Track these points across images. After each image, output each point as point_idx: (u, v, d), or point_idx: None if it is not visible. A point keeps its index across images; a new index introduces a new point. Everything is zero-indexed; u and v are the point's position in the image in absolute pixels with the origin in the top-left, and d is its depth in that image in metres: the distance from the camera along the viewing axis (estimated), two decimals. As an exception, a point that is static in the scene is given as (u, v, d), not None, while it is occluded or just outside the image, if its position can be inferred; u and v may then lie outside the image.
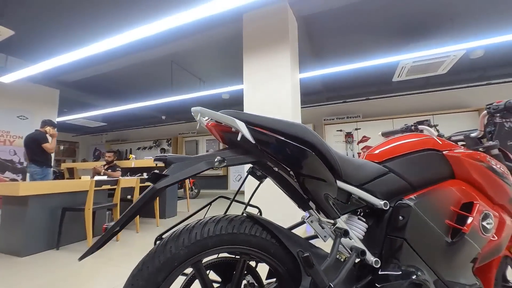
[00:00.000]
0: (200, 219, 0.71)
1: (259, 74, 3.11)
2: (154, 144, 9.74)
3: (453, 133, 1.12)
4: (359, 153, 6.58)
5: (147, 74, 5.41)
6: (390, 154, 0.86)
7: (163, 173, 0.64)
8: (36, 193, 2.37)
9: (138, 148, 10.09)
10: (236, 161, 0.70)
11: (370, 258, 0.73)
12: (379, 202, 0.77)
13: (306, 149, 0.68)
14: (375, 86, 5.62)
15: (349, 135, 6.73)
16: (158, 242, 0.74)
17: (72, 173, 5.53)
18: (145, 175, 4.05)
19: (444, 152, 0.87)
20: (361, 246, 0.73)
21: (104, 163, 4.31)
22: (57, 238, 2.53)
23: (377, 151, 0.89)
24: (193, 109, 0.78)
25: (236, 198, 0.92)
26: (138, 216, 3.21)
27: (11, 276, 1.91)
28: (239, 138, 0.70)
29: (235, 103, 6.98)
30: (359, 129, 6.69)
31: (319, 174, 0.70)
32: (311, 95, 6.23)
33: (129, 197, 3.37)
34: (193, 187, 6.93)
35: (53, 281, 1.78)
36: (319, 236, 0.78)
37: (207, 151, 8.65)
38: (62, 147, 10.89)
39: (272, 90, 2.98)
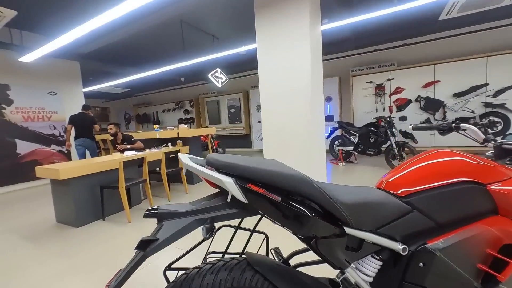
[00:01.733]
0: (199, 267, 0.70)
1: (274, 30, 2.76)
2: (177, 106, 9.89)
3: (507, 136, 0.90)
4: (390, 107, 6.06)
5: (158, 37, 5.14)
6: (416, 185, 0.72)
7: (153, 237, 0.62)
8: (73, 176, 2.62)
9: (163, 111, 10.38)
10: (229, 218, 0.65)
11: None
12: (397, 247, 0.68)
13: (306, 212, 0.60)
14: (414, 28, 4.74)
15: (380, 87, 6.09)
16: (167, 272, 0.77)
17: (106, 142, 5.99)
18: (169, 145, 4.22)
19: (488, 187, 0.71)
20: None
21: (119, 140, 4.21)
22: (101, 211, 2.89)
23: (398, 181, 0.75)
24: (180, 157, 0.71)
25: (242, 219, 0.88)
26: (168, 185, 3.48)
27: (69, 246, 2.27)
28: (229, 199, 0.63)
29: (254, 59, 6.51)
30: (392, 79, 5.98)
31: (322, 233, 0.62)
32: (337, 44, 5.52)
33: (157, 169, 3.60)
34: (217, 148, 7.16)
35: (105, 251, 2.10)
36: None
37: (228, 110, 8.67)
38: (95, 112, 11.62)
39: (289, 47, 2.65)
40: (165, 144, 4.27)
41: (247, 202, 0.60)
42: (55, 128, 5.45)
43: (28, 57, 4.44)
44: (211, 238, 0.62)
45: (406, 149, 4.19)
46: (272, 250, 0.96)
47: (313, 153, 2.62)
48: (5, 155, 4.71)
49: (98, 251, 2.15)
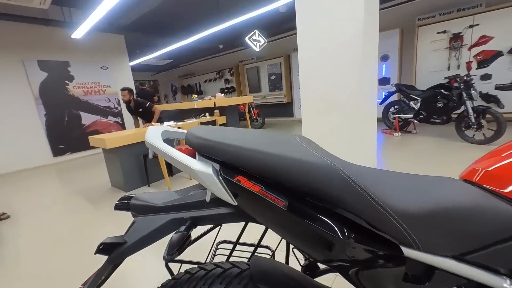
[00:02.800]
0: (205, 268, 0.54)
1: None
2: (218, 75, 9.84)
3: None
4: (468, 63, 4.81)
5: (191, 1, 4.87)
6: None
7: (120, 239, 0.46)
8: (117, 145, 2.78)
9: (205, 81, 10.49)
10: (215, 221, 0.45)
11: None
12: (502, 284, 0.40)
13: (333, 233, 0.35)
14: None
15: (457, 37, 4.83)
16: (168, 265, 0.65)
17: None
18: (207, 115, 4.20)
19: None
20: None
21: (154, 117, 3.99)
22: (146, 178, 3.08)
23: (508, 172, 0.43)
24: (148, 132, 0.51)
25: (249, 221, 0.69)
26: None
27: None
28: (207, 199, 0.42)
29: (295, 17, 5.74)
30: (476, 25, 4.65)
31: (361, 261, 0.38)
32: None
33: (195, 139, 3.64)
34: (257, 118, 6.98)
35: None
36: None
37: (269, 77, 8.22)
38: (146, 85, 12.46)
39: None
40: (203, 114, 4.27)
41: (235, 204, 0.39)
42: (109, 101, 5.96)
43: (78, 33, 4.72)
44: (184, 247, 0.43)
45: (487, 115, 3.32)
46: (294, 250, 0.76)
47: (361, 123, 2.20)
48: (73, 126, 5.40)
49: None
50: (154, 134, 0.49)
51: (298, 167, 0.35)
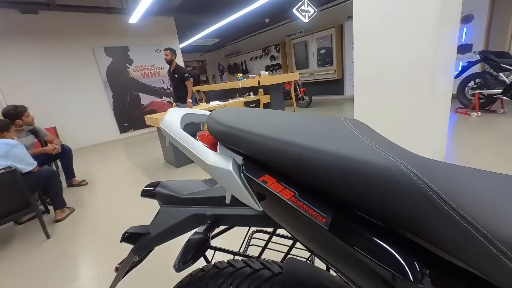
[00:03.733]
0: (224, 268, 0.49)
1: None
2: (264, 53, 9.56)
3: None
4: None
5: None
6: None
7: (144, 230, 0.43)
8: (169, 125, 2.97)
9: (251, 59, 10.34)
10: (237, 223, 0.37)
11: None
12: None
13: (395, 273, 0.23)
14: None
15: None
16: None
17: (199, 93, 6.61)
18: (251, 94, 4.14)
19: None
20: None
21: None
22: (194, 155, 3.27)
23: None
24: (165, 118, 0.44)
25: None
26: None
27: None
28: (227, 200, 0.34)
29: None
30: None
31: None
32: None
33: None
34: (304, 96, 6.64)
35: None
36: None
37: (318, 52, 7.58)
38: (196, 66, 12.99)
39: None
40: (247, 94, 4.22)
41: (261, 209, 0.31)
42: (163, 82, 6.39)
43: (134, 18, 5.03)
44: (200, 253, 0.37)
45: None
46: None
47: (429, 103, 1.82)
48: (134, 106, 6.01)
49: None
50: (172, 118, 0.44)
51: (352, 170, 0.24)
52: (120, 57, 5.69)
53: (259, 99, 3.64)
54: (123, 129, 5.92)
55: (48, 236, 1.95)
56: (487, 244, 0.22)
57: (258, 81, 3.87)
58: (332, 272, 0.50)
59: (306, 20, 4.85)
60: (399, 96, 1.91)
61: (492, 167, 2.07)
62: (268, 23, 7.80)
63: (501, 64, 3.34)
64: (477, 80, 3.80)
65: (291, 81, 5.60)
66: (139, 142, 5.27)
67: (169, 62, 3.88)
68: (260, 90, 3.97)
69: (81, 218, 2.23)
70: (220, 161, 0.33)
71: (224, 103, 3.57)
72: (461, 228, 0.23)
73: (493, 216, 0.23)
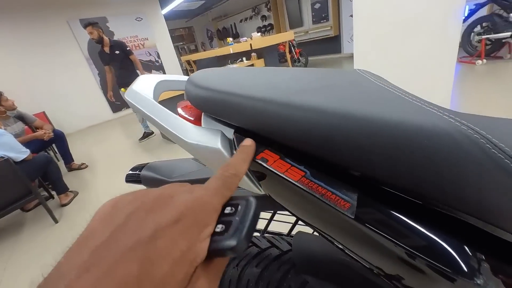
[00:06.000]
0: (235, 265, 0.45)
1: None
2: (254, 13, 8.85)
3: None
4: None
5: None
6: None
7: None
8: (161, 99, 2.83)
9: (241, 21, 9.64)
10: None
11: None
12: None
13: (450, 273, 0.17)
14: None
15: None
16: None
17: (190, 63, 6.25)
18: (244, 60, 3.91)
19: None
20: None
21: None
22: (191, 129, 3.19)
23: None
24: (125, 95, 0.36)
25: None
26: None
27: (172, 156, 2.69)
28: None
29: None
30: None
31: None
32: None
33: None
34: (299, 58, 6.30)
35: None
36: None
37: (312, 7, 6.98)
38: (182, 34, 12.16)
39: None
40: (240, 59, 3.98)
41: (262, 193, 0.25)
42: (150, 55, 6.01)
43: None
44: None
45: None
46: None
47: (435, 52, 1.67)
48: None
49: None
50: (141, 87, 0.36)
51: (400, 138, 0.17)
52: (100, 29, 5.25)
53: (252, 64, 3.43)
54: (115, 108, 5.74)
55: (56, 221, 1.97)
56: None
57: (250, 45, 3.61)
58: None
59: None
60: (406, 46, 1.76)
61: (501, 115, 2.01)
62: (256, -23, 7.06)
63: (512, 3, 3.08)
64: (484, 24, 3.54)
65: (286, 42, 5.25)
66: (134, 120, 5.14)
67: (99, 40, 2.96)
68: (253, 54, 3.73)
69: (86, 200, 2.25)
70: (204, 137, 0.27)
71: (216, 71, 3.38)
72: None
73: None
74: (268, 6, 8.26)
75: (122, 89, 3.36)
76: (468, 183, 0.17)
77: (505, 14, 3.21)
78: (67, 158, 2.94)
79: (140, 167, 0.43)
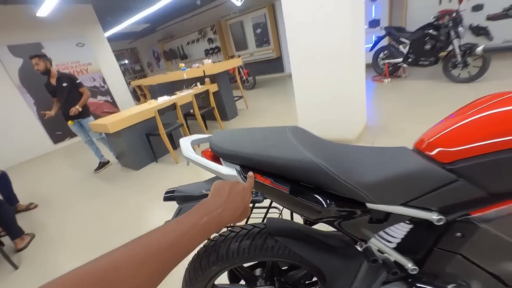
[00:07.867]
0: (224, 234, 0.75)
1: None
2: (200, 35, 9.23)
3: None
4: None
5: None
6: (471, 150, 0.56)
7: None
8: (121, 128, 2.89)
9: (188, 43, 9.88)
10: None
11: (408, 264, 0.67)
12: (432, 217, 0.59)
13: (318, 204, 0.53)
14: None
15: (449, -34, 4.52)
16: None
17: (141, 88, 6.19)
18: (199, 85, 4.18)
19: None
20: (399, 258, 0.66)
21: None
22: (152, 154, 3.27)
23: (445, 142, 0.59)
24: (181, 144, 0.66)
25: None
26: (205, 124, 3.65)
27: (134, 185, 2.74)
28: None
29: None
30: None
31: (340, 216, 0.57)
32: None
33: (191, 111, 3.71)
34: (247, 78, 6.87)
35: (160, 188, 2.49)
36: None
37: (254, 31, 7.76)
38: (125, 54, 11.73)
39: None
40: (194, 84, 4.24)
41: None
42: (94, 80, 5.77)
43: (43, 11, 4.32)
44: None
45: (473, 54, 3.37)
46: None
47: (349, 72, 2.26)
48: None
49: (155, 190, 2.55)
50: (186, 147, 0.64)
51: (292, 165, 0.53)
52: (33, 56, 4.87)
53: (207, 89, 3.73)
54: (57, 139, 5.27)
55: (16, 267, 1.87)
56: (352, 188, 0.54)
57: (203, 71, 3.92)
58: (299, 221, 0.81)
59: (239, 4, 4.94)
60: (326, 67, 2.33)
61: (397, 116, 2.74)
62: (199, 4, 7.50)
63: (400, 38, 4.15)
64: (385, 52, 4.62)
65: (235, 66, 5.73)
66: (82, 149, 4.82)
67: (46, 72, 2.93)
68: (206, 79, 4.04)
69: (46, 240, 2.15)
70: (228, 171, 0.58)
71: (172, 97, 3.57)
72: (340, 183, 0.53)
73: (354, 175, 0.55)
74: (214, 30, 8.76)
75: (69, 121, 3.24)
76: (320, 180, 0.53)
77: (396, 45, 4.29)
78: (12, 200, 2.70)
79: (172, 190, 0.69)
